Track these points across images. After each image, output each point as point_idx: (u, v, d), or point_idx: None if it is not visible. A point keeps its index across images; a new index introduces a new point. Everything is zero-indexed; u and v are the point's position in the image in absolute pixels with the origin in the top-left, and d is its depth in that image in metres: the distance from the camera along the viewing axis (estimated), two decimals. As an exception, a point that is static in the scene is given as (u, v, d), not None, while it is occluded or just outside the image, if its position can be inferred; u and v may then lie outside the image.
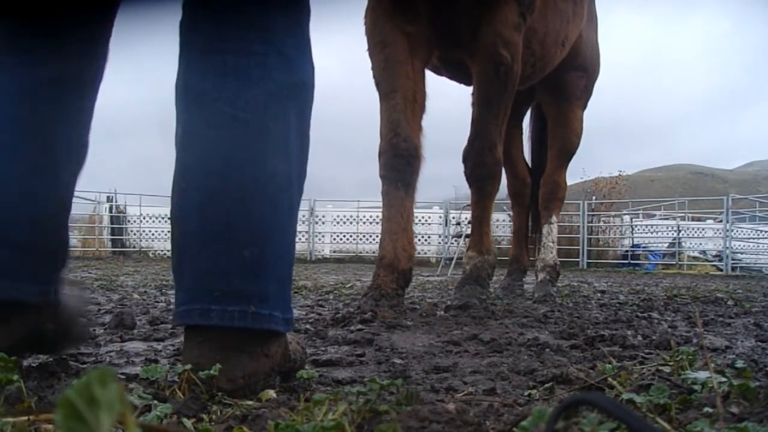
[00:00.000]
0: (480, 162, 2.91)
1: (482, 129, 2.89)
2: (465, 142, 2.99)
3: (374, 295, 2.56)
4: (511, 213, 4.83)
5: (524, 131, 4.55)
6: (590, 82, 4.04)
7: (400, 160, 2.68)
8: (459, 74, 3.45)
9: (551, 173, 4.02)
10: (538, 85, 3.87)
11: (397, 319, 2.38)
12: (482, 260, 3.00)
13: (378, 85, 2.82)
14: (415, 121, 2.77)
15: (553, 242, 3.96)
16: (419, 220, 14.82)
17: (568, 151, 4.03)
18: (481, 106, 2.89)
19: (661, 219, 14.97)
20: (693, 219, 15.68)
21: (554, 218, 4.02)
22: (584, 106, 4.09)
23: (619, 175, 15.86)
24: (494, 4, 2.77)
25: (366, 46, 2.93)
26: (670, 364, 1.32)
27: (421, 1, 2.78)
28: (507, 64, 2.79)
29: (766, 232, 13.81)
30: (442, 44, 2.98)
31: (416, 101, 2.78)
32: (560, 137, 3.97)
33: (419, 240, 14.81)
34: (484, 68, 2.86)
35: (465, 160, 2.97)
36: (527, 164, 4.45)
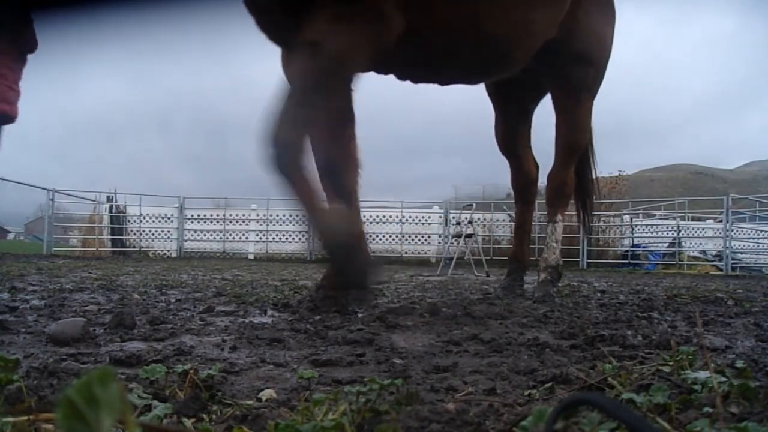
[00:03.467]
0: None
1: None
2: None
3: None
4: (510, 213, 4.77)
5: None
6: (595, 74, 3.81)
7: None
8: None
9: (557, 170, 3.91)
10: (545, 79, 3.79)
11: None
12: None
13: None
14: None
15: (556, 242, 3.86)
16: (419, 220, 14.83)
17: (572, 148, 3.90)
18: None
19: (661, 219, 14.97)
20: (693, 219, 15.68)
21: (559, 217, 3.90)
22: (591, 99, 3.89)
23: (619, 175, 15.87)
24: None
25: None
26: (670, 364, 1.32)
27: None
28: (312, 50, 2.59)
29: (766, 232, 13.81)
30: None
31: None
32: (564, 133, 3.86)
33: (419, 240, 14.81)
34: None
35: None
36: (536, 161, 4.33)
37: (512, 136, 4.18)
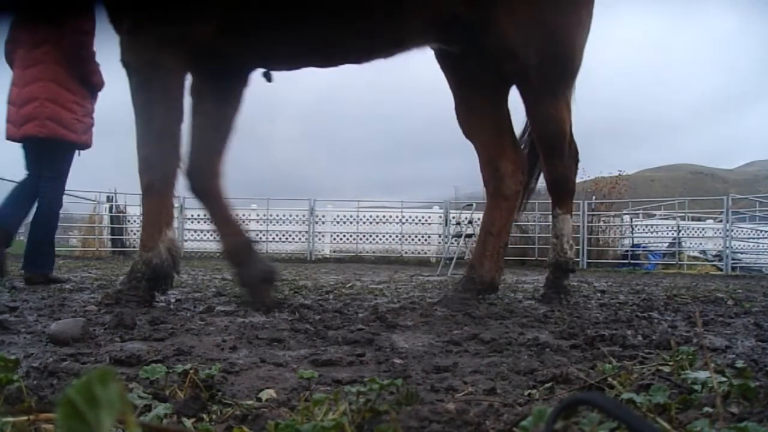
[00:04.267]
0: None
1: None
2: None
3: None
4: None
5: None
6: (553, 70, 3.26)
7: None
8: None
9: (543, 166, 3.71)
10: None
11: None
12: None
13: None
14: None
15: (557, 238, 3.65)
16: (419, 220, 14.83)
17: (544, 142, 3.54)
18: None
19: (661, 219, 14.97)
20: (693, 219, 15.68)
21: (559, 210, 3.68)
22: (557, 97, 3.37)
23: (619, 174, 15.88)
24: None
25: None
26: (670, 364, 1.32)
27: None
28: (127, 71, 2.86)
29: (766, 232, 13.81)
30: None
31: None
32: (533, 128, 3.63)
33: (419, 240, 14.81)
34: None
35: None
36: (519, 157, 3.73)
37: (472, 119, 3.68)
